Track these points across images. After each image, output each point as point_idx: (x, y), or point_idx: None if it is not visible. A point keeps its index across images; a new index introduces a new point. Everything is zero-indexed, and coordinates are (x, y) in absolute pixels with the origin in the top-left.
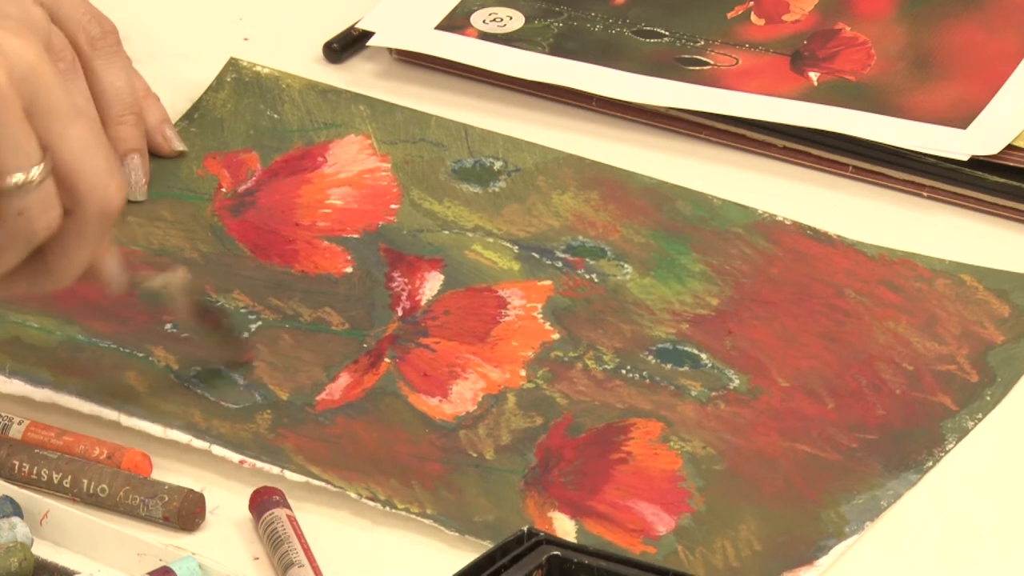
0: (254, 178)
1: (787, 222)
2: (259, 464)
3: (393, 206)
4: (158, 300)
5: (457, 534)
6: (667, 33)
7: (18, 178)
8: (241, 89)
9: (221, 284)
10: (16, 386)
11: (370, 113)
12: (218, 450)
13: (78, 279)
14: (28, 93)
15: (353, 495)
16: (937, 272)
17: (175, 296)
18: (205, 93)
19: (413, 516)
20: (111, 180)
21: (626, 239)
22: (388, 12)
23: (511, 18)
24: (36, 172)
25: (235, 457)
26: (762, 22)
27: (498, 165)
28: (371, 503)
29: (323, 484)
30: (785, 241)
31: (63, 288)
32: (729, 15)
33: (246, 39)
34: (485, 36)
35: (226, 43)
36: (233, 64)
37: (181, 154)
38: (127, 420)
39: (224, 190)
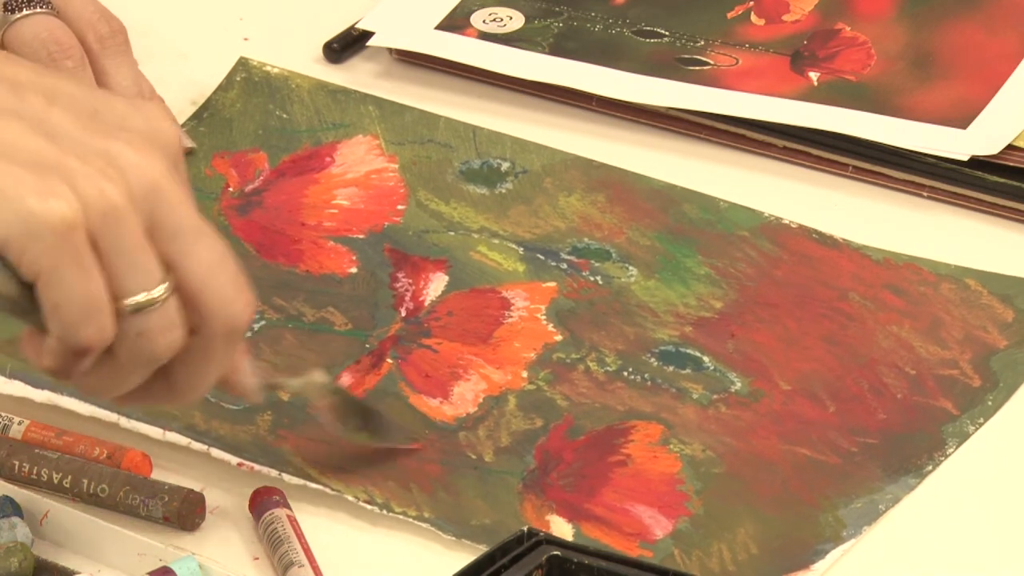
0: (261, 178)
1: (793, 225)
2: (257, 467)
3: (400, 207)
4: (303, 402)
5: (454, 538)
6: (667, 33)
7: (138, 299)
8: (250, 89)
9: None
10: (16, 387)
11: (379, 114)
12: (217, 452)
13: (216, 389)
14: (149, 212)
15: (351, 498)
16: (942, 276)
17: (314, 399)
18: (215, 92)
19: (411, 520)
20: (238, 298)
21: (632, 241)
22: (388, 12)
23: (511, 18)
24: (157, 293)
25: (233, 460)
26: (762, 22)
27: (505, 166)
28: (369, 507)
29: (321, 488)
30: (790, 244)
31: (194, 401)
32: (729, 15)
33: (246, 39)
34: (485, 36)
35: (226, 43)
36: (243, 64)
37: (190, 152)
38: (127, 423)
39: (231, 189)
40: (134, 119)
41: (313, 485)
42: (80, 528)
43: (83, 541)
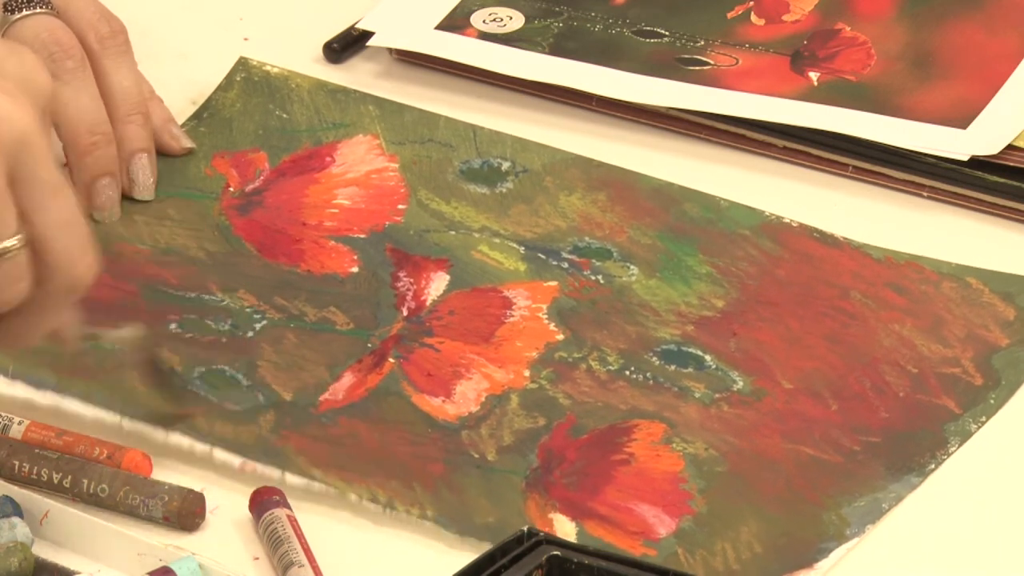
0: (262, 177)
1: (794, 224)
2: (260, 468)
3: (400, 206)
4: (112, 355)
5: (457, 536)
6: (667, 33)
7: None
8: (250, 89)
9: (227, 283)
10: (19, 388)
11: (379, 113)
12: (220, 454)
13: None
14: (14, 161)
15: (353, 498)
16: (943, 275)
17: (127, 352)
18: (214, 92)
19: (414, 518)
20: (83, 258)
21: (633, 240)
22: (388, 12)
23: (511, 18)
24: (10, 243)
25: (236, 461)
26: (762, 22)
27: (506, 166)
28: (372, 505)
29: (324, 487)
30: (791, 243)
31: (25, 347)
32: (729, 15)
33: (246, 39)
34: (485, 36)
35: (226, 43)
36: (243, 64)
37: (190, 152)
38: (128, 424)
39: (232, 189)
40: (10, 64)
41: (317, 485)
42: (80, 528)
43: (83, 541)
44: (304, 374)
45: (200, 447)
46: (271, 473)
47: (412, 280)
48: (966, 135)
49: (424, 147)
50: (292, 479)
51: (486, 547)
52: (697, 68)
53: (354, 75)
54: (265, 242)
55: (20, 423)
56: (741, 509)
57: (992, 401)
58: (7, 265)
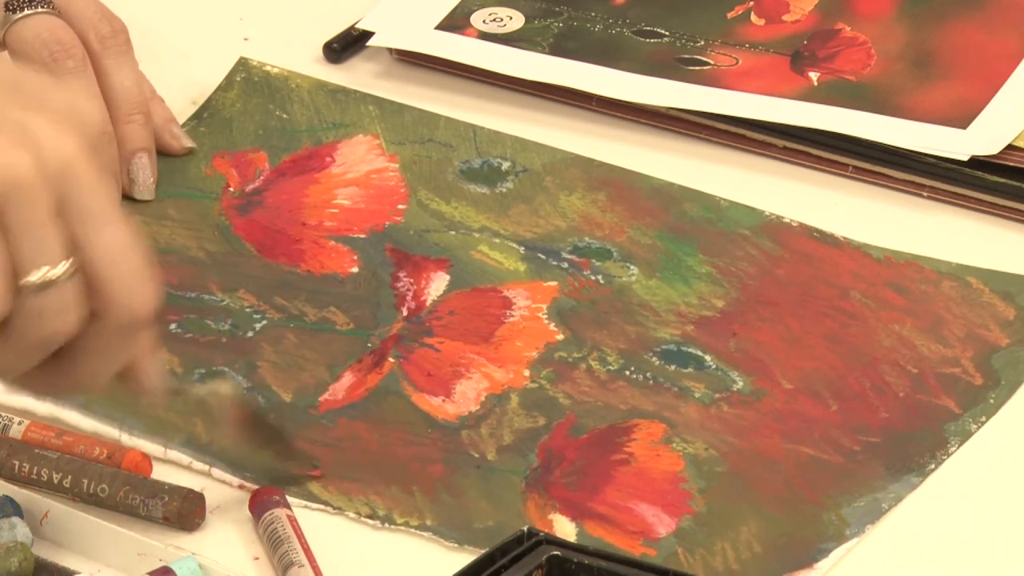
0: (262, 177)
1: (794, 224)
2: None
3: (400, 206)
4: (205, 411)
5: (456, 544)
6: (667, 33)
7: (37, 276)
8: (250, 89)
9: (227, 283)
10: (19, 396)
11: (379, 113)
12: (218, 473)
13: (115, 383)
14: (60, 190)
15: (352, 515)
16: (943, 274)
17: (222, 407)
18: (215, 92)
19: (412, 530)
20: (143, 287)
21: (633, 240)
22: (388, 12)
23: (511, 18)
24: (57, 272)
25: (235, 480)
26: (762, 22)
27: (506, 166)
28: (371, 521)
29: (321, 507)
30: (791, 243)
31: (94, 392)
32: (729, 15)
33: (246, 39)
34: (485, 36)
35: (226, 43)
36: (243, 64)
37: (190, 151)
38: (128, 440)
39: (232, 189)
40: (56, 96)
41: (315, 505)
42: (80, 528)
43: (83, 541)
44: (304, 374)
45: (198, 465)
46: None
47: (412, 280)
48: (966, 135)
49: (424, 147)
50: (291, 499)
51: (485, 549)
52: (697, 68)
53: (354, 75)
54: (265, 242)
55: (20, 423)
56: (741, 509)
57: (992, 401)
58: (54, 295)
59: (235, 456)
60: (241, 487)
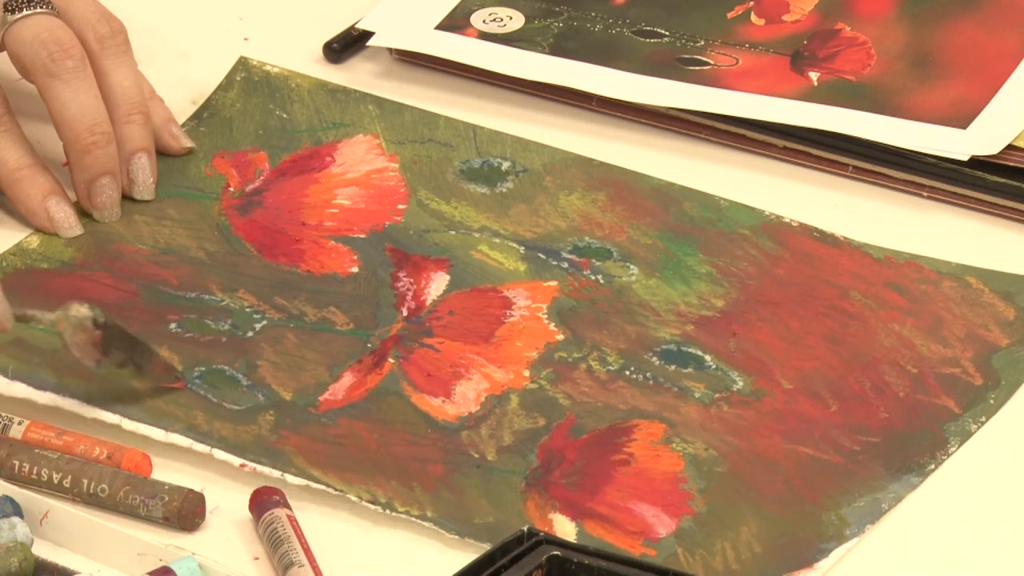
0: (262, 177)
1: (794, 224)
2: (260, 468)
3: (400, 206)
4: (54, 338)
5: (457, 537)
6: (667, 33)
7: None
8: (250, 88)
9: (227, 283)
10: (19, 388)
11: (379, 113)
12: (219, 454)
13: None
14: None
15: (353, 498)
16: (943, 274)
17: (74, 331)
18: (215, 92)
19: (413, 519)
20: None
21: (633, 240)
22: (388, 12)
23: (511, 18)
24: None
25: (236, 461)
26: (762, 22)
27: (506, 165)
28: (371, 506)
29: (324, 488)
30: (791, 243)
31: None
32: (729, 15)
33: (246, 39)
34: (485, 36)
35: (226, 43)
36: (243, 63)
37: (190, 151)
38: (129, 424)
39: (232, 189)
40: None
41: (316, 486)
42: (80, 528)
43: (83, 541)
44: (304, 374)
45: (199, 447)
46: (271, 473)
47: (412, 280)
48: (966, 135)
49: (424, 147)
50: (292, 479)
51: (486, 547)
52: (697, 68)
53: (354, 75)
54: (265, 242)
55: (20, 423)
56: (741, 509)
57: (992, 401)
58: None
59: (95, 391)
60: (243, 467)
